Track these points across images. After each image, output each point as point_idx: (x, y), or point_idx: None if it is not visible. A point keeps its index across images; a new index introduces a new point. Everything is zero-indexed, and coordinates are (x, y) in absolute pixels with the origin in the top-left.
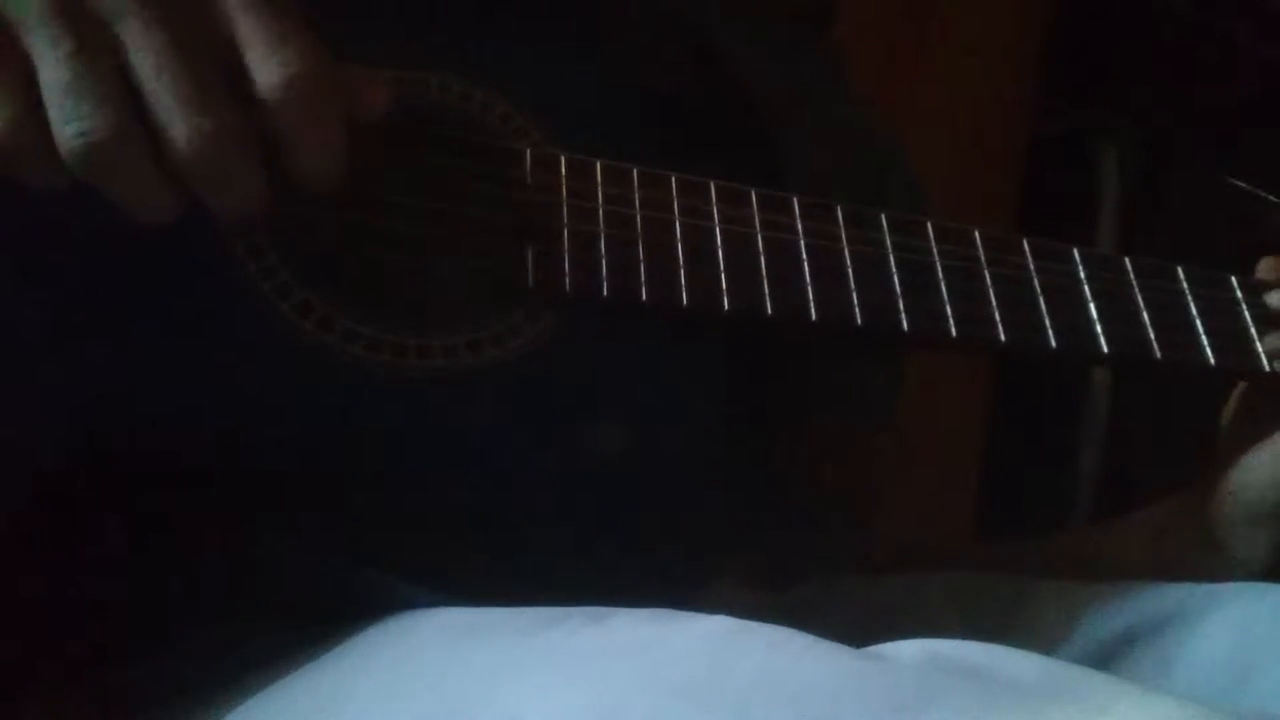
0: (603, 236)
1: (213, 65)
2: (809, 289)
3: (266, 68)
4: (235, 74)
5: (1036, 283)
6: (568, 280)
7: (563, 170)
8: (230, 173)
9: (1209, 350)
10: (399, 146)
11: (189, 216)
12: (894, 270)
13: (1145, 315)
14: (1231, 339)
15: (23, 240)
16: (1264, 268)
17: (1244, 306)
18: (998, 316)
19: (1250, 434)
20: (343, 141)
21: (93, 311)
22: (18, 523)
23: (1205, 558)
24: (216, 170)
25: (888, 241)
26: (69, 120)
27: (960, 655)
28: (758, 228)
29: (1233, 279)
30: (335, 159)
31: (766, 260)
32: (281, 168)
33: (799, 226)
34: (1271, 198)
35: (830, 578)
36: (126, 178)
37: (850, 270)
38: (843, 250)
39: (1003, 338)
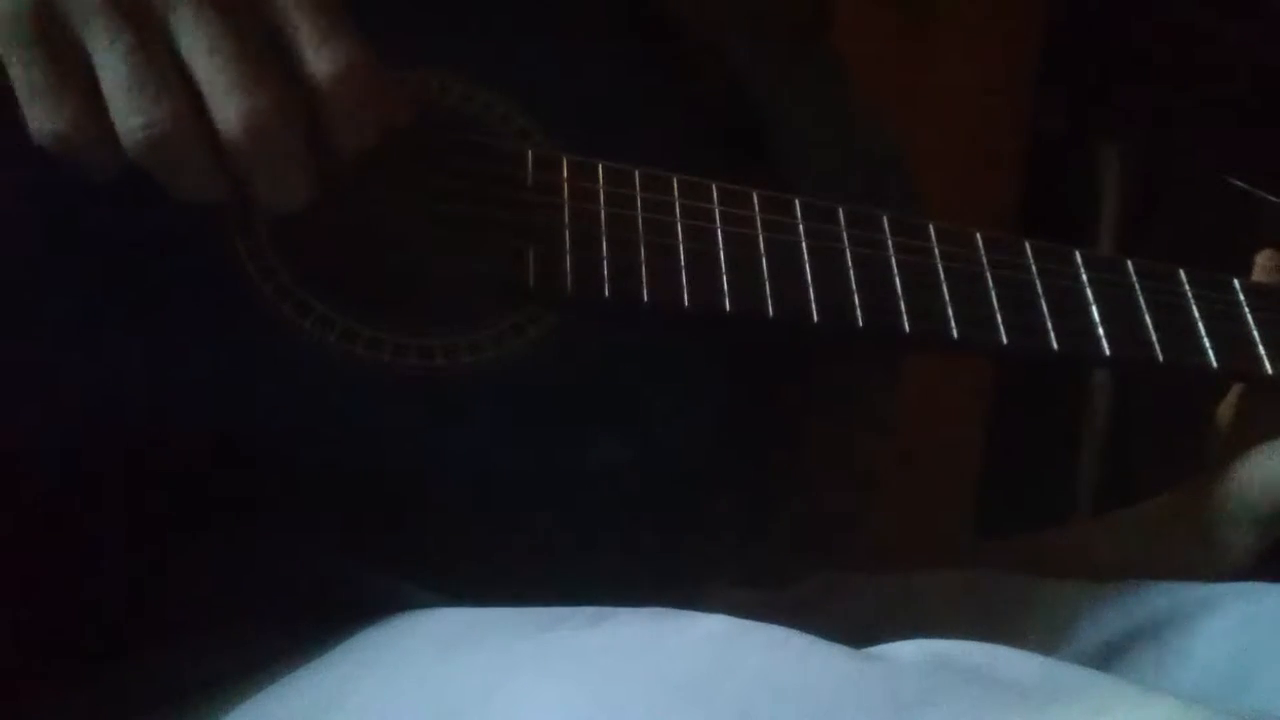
0: (604, 237)
1: (264, 49)
2: (810, 291)
3: (322, 55)
4: (285, 60)
5: (1038, 284)
6: (569, 281)
7: (564, 171)
8: (280, 153)
9: (1211, 352)
10: (400, 147)
11: (189, 218)
12: (896, 272)
13: (1147, 317)
14: (1233, 341)
15: (29, 242)
16: (1261, 261)
17: (1246, 309)
18: (999, 318)
19: (1252, 434)
20: (378, 130)
21: (93, 312)
22: (19, 522)
23: (1197, 553)
24: (267, 150)
25: (889, 243)
26: (131, 113)
27: (960, 655)
28: (759, 229)
29: (1235, 281)
30: (368, 142)
31: (768, 262)
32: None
33: (801, 228)
34: (1271, 198)
35: (830, 577)
36: (185, 165)
37: (852, 272)
38: (844, 252)
39: (1004, 339)
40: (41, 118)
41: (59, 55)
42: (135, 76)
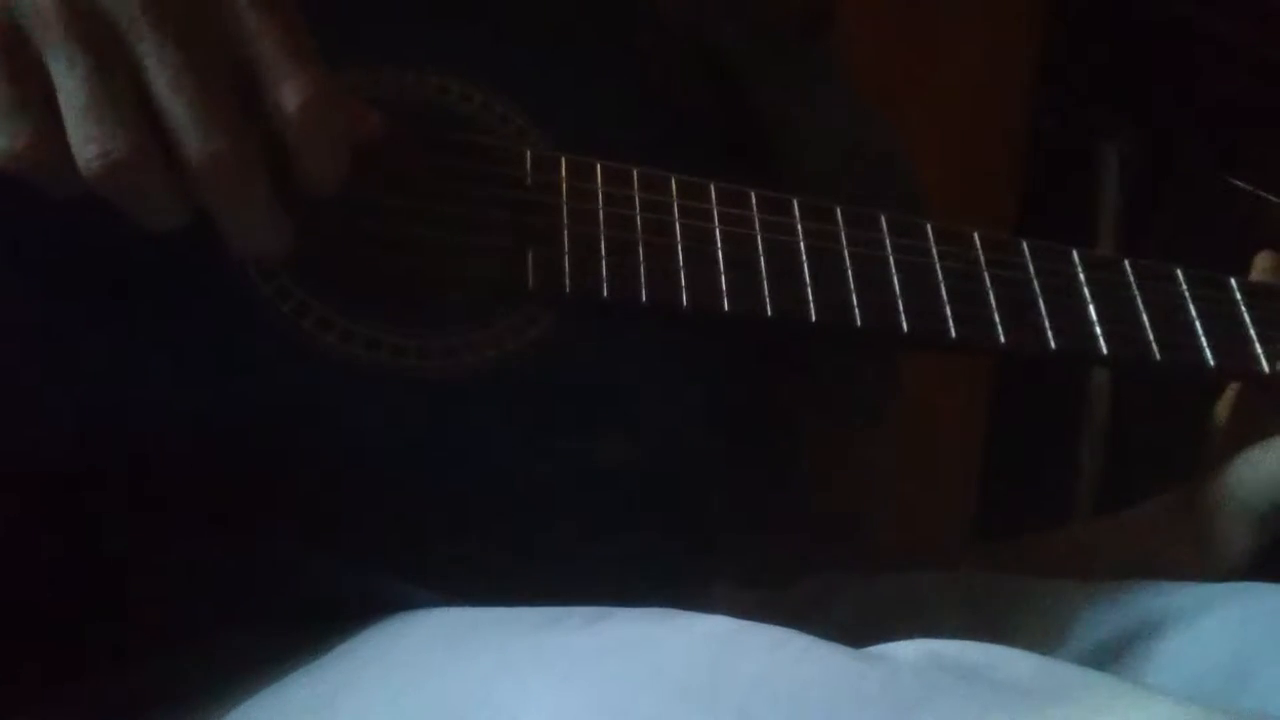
0: (603, 238)
1: (227, 83)
2: (809, 290)
3: (288, 89)
4: (248, 90)
5: (1036, 284)
6: (568, 281)
7: (563, 171)
8: (240, 190)
9: (1209, 352)
10: (398, 148)
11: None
12: (894, 272)
13: (1145, 317)
14: (1231, 340)
15: (27, 244)
16: (1260, 265)
17: (1243, 308)
18: (997, 318)
19: (1248, 434)
20: (348, 157)
21: (93, 313)
22: (19, 523)
23: (1193, 554)
24: (228, 187)
25: (888, 243)
26: (89, 140)
27: (960, 655)
28: (758, 229)
29: (1232, 280)
30: (340, 171)
31: (766, 262)
32: (285, 178)
33: (799, 228)
34: (1271, 198)
35: (830, 577)
36: (142, 193)
37: (850, 272)
38: (843, 252)
39: (1002, 339)
40: None
41: (18, 75)
42: (93, 103)
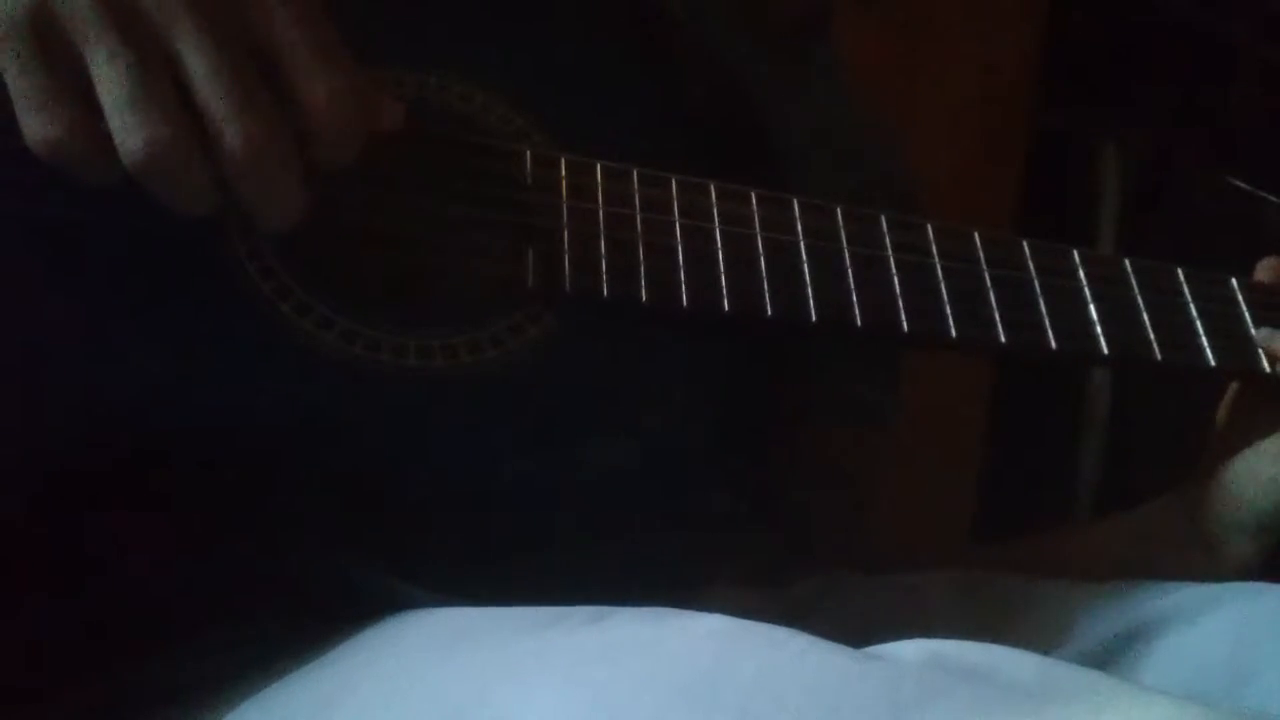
0: (603, 237)
1: (259, 75)
2: (809, 290)
3: (316, 81)
4: (278, 81)
5: (1037, 284)
6: (568, 281)
7: (563, 171)
8: (274, 176)
9: (1209, 351)
10: (399, 147)
11: (189, 219)
12: (894, 271)
13: (1145, 316)
14: (1231, 340)
15: (26, 242)
16: (1264, 268)
17: (1244, 308)
18: (998, 317)
19: (1246, 435)
20: (363, 143)
21: (95, 312)
22: (20, 521)
23: (1194, 556)
24: (262, 174)
25: (888, 242)
26: (131, 130)
27: (960, 655)
28: (758, 229)
29: (1233, 280)
30: (352, 155)
31: (766, 261)
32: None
33: (799, 227)
34: (1271, 198)
35: (830, 577)
36: (180, 180)
37: (850, 271)
38: (843, 251)
39: (1003, 339)
40: (35, 125)
41: (55, 63)
42: (136, 95)
